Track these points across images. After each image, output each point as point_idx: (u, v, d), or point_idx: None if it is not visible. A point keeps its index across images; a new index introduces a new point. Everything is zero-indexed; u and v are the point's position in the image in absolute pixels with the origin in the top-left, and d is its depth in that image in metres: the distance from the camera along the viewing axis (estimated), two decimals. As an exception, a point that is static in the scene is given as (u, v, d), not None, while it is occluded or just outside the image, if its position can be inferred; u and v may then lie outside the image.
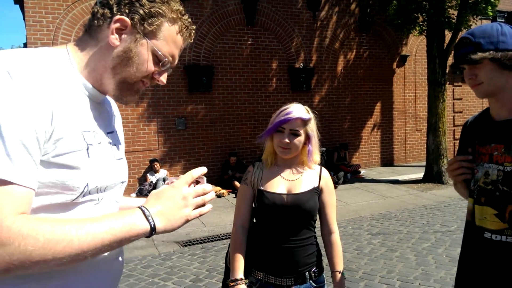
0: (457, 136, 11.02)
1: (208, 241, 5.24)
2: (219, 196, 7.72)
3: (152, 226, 0.85)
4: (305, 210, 1.68)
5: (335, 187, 8.24)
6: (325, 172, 1.81)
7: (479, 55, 1.37)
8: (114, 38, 0.93)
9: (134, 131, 8.03)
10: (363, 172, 9.81)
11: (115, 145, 1.04)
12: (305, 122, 1.69)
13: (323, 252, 1.82)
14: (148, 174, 7.97)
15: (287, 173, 1.76)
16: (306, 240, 1.73)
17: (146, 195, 7.33)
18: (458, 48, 1.45)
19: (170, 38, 0.97)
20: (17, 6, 7.83)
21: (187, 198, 0.91)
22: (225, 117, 8.90)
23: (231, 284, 1.64)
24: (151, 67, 0.97)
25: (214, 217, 6.24)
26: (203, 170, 0.96)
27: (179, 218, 0.89)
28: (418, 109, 11.33)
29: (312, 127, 1.72)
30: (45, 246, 0.73)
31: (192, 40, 1.04)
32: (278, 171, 1.76)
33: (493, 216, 1.41)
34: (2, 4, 58.48)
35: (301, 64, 9.58)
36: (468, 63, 1.41)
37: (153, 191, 0.94)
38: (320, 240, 1.83)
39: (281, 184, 1.73)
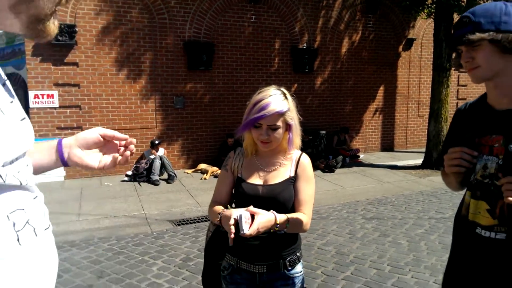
0: (460, 123, 10.84)
1: (202, 221, 5.23)
2: (215, 176, 7.68)
3: None
4: (279, 201, 1.62)
5: (333, 171, 8.24)
6: (304, 158, 1.72)
7: (477, 35, 1.25)
8: None
9: (131, 108, 7.95)
10: (362, 156, 9.74)
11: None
12: (283, 114, 1.59)
13: (303, 242, 1.74)
14: (145, 152, 7.93)
15: (266, 163, 1.70)
16: None
17: (141, 173, 7.33)
18: (457, 28, 1.33)
19: None
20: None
21: None
22: (225, 97, 8.78)
23: (217, 220, 1.55)
24: None
25: (209, 197, 6.20)
26: None
27: None
28: (422, 94, 11.15)
29: (291, 115, 1.62)
30: None
31: None
32: (258, 161, 1.71)
33: (486, 211, 1.35)
34: None
35: (305, 45, 9.38)
36: (465, 44, 1.30)
37: None
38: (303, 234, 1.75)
39: (259, 175, 1.68)
